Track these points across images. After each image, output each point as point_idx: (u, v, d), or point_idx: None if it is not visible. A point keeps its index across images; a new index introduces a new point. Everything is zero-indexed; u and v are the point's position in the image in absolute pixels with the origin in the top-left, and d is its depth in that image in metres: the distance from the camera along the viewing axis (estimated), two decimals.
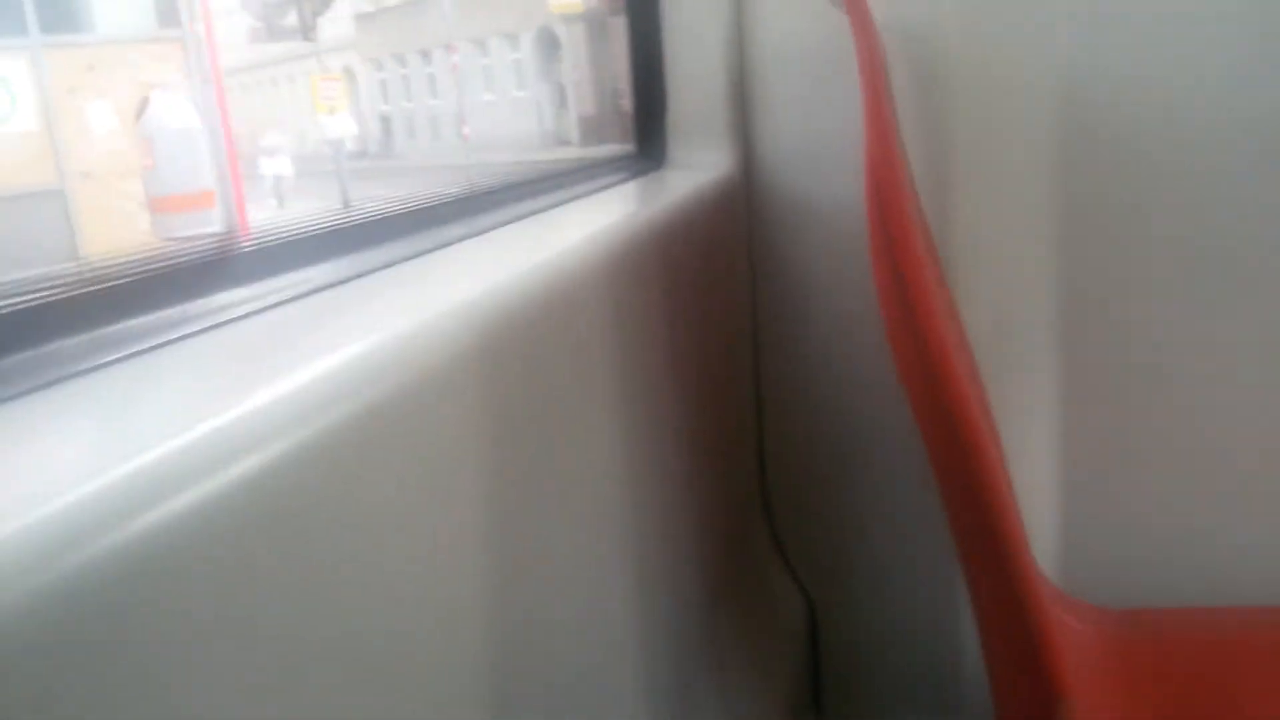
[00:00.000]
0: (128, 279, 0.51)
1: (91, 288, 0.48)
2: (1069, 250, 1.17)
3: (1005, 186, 1.16)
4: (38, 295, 0.45)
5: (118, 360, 0.43)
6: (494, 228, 0.79)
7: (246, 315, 0.51)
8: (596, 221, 0.80)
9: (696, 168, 1.18)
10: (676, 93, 1.22)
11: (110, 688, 0.30)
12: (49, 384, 0.40)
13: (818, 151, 1.18)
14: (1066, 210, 1.16)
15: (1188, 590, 1.17)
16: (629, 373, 0.78)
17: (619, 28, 1.25)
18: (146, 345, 0.45)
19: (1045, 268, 1.18)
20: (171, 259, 0.55)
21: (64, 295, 0.46)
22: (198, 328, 0.48)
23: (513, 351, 0.57)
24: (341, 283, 0.58)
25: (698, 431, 1.02)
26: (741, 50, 1.19)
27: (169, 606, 0.32)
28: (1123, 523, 1.20)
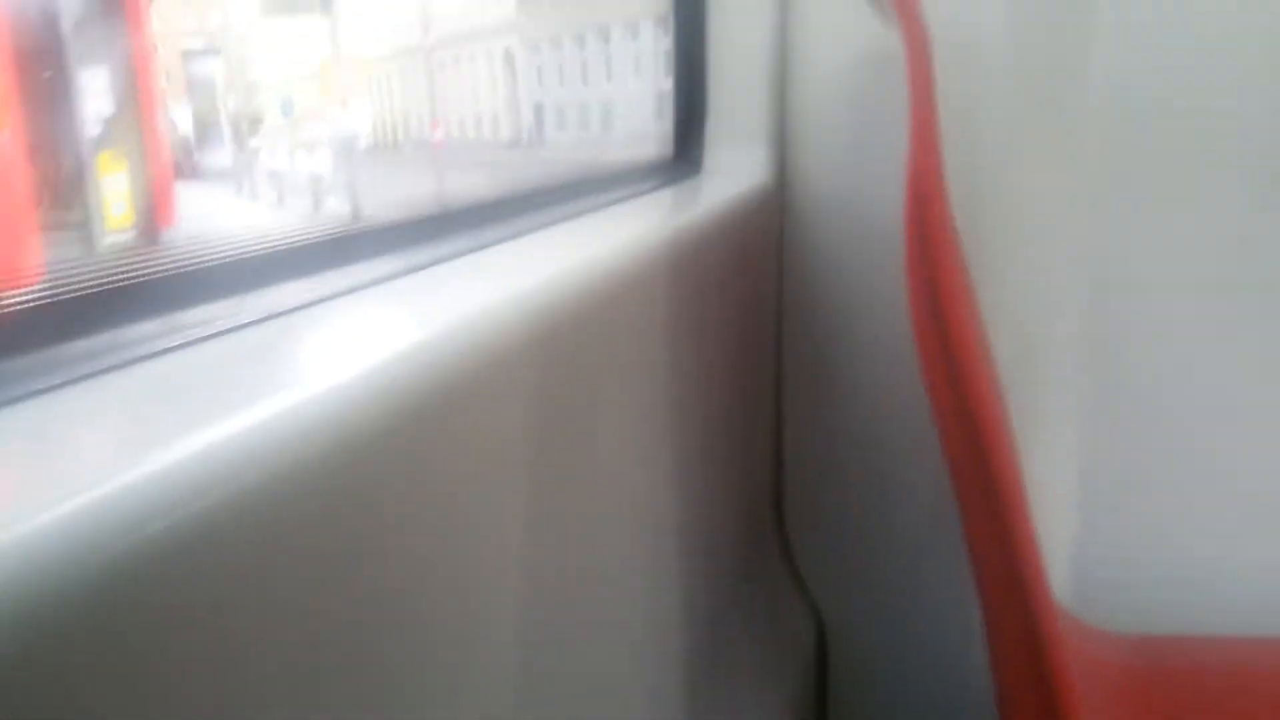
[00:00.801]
0: (142, 279, 0.51)
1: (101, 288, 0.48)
2: (1094, 273, 1.17)
3: (1035, 203, 1.17)
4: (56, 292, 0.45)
5: (129, 362, 0.42)
6: (528, 232, 0.80)
7: (267, 318, 0.51)
8: (631, 229, 0.80)
9: (732, 175, 1.18)
10: (717, 100, 1.23)
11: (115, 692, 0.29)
12: (60, 386, 0.40)
13: (854, 163, 1.19)
14: (1094, 234, 1.17)
15: (1201, 619, 1.17)
16: (653, 379, 0.79)
17: None
18: (160, 349, 0.44)
19: (1070, 289, 1.18)
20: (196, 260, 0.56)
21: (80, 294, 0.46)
22: (208, 333, 0.47)
23: (541, 357, 0.58)
24: (364, 288, 0.58)
25: (717, 441, 1.02)
26: (784, 59, 1.20)
27: (191, 607, 0.32)
28: (1138, 548, 1.20)
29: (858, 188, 1.19)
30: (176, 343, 0.44)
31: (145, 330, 0.45)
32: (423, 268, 0.62)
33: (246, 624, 0.34)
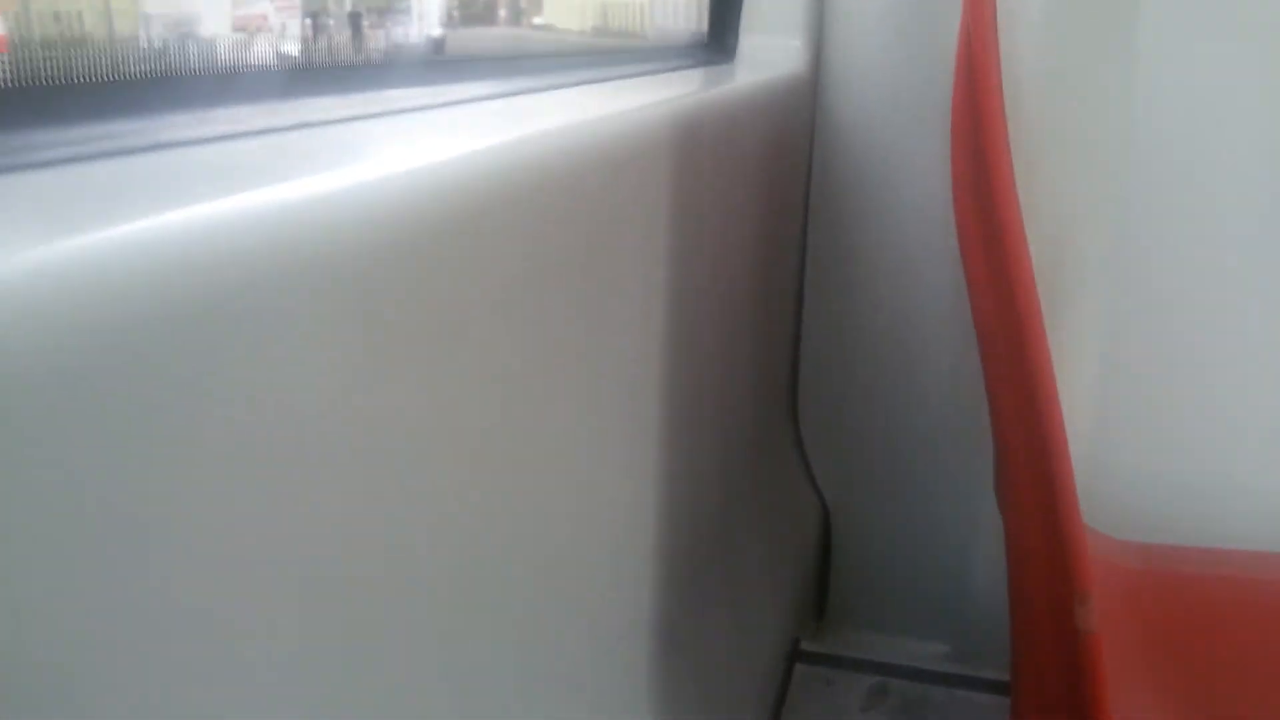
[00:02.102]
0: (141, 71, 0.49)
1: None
2: (1124, 184, 1.16)
3: (1071, 108, 1.15)
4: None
5: (103, 156, 0.41)
6: (550, 89, 0.79)
7: (278, 129, 0.50)
8: (655, 95, 0.79)
9: (765, 62, 1.16)
10: None
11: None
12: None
13: (890, 57, 1.17)
14: (1128, 143, 1.15)
15: (1211, 532, 1.19)
16: (671, 252, 0.78)
17: None
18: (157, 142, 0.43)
19: (1100, 199, 1.17)
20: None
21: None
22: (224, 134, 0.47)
23: (550, 203, 0.56)
24: (381, 115, 0.57)
25: (735, 324, 1.02)
26: None
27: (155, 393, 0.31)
28: (1152, 460, 1.21)
29: (893, 82, 1.17)
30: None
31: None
32: (417, 109, 0.61)
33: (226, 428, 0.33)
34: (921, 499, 1.26)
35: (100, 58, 0.44)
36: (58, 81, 0.43)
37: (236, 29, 0.53)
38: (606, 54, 1.04)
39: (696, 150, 0.81)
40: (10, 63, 0.41)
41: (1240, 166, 1.14)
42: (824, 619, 1.34)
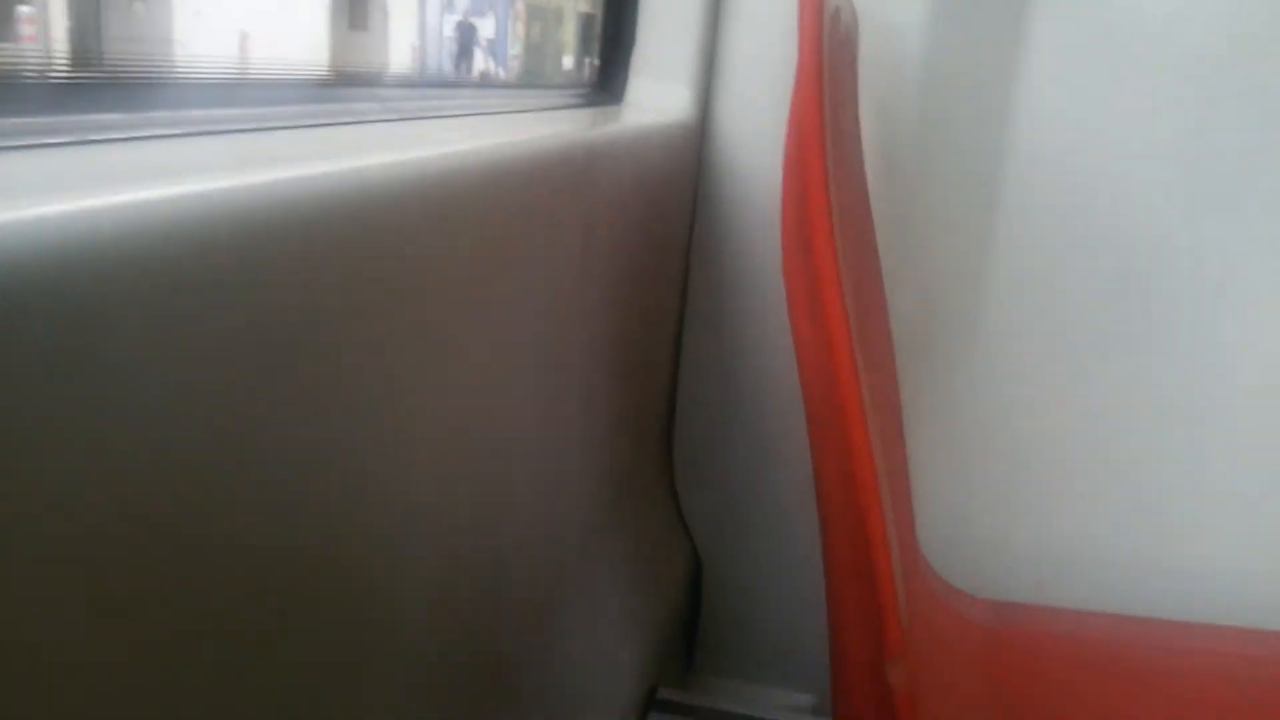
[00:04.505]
0: None
1: None
2: (995, 248, 1.19)
3: (950, 179, 1.18)
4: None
5: None
6: (433, 116, 0.79)
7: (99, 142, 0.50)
8: (535, 130, 0.79)
9: (653, 109, 1.17)
10: (646, 32, 1.21)
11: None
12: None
13: (778, 114, 1.18)
14: (999, 211, 1.18)
15: (1066, 594, 1.20)
16: (546, 284, 0.78)
17: None
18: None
19: (972, 258, 1.20)
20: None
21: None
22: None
23: (417, 231, 0.57)
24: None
25: (607, 360, 1.02)
26: (718, 4, 1.19)
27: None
28: (1013, 524, 1.23)
29: (776, 136, 1.19)
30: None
31: None
32: (320, 124, 0.61)
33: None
34: (795, 548, 1.27)
35: None
36: None
37: None
38: (498, 88, 1.04)
39: (579, 185, 0.82)
40: None
41: (1093, 243, 1.17)
42: (692, 667, 1.34)
